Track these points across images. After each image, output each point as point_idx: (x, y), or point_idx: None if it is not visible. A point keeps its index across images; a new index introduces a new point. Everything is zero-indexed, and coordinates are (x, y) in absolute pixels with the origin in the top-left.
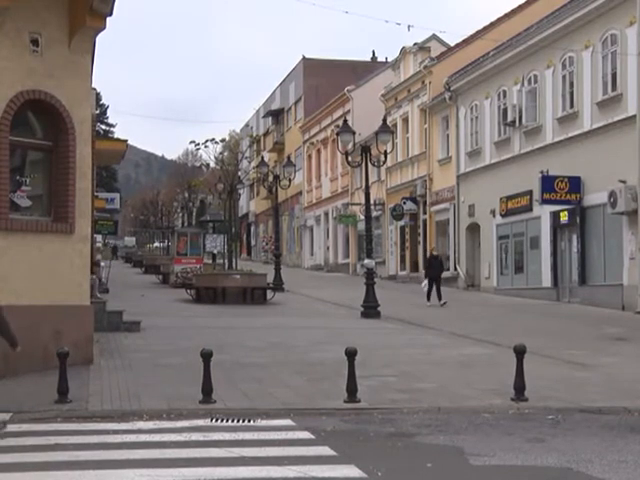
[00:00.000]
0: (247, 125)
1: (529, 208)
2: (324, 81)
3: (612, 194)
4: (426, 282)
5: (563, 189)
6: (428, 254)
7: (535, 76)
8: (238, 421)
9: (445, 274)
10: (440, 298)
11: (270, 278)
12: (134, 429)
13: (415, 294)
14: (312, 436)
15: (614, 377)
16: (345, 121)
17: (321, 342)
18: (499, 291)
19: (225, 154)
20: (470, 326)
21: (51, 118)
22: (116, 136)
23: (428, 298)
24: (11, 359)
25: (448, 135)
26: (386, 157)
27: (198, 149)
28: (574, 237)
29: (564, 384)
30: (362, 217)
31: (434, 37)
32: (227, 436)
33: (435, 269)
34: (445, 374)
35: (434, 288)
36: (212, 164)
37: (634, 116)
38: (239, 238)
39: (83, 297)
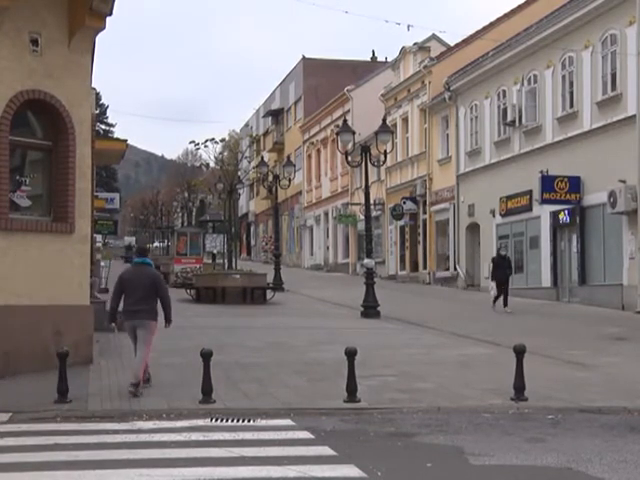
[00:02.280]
0: (247, 125)
1: (529, 208)
2: (324, 81)
3: (612, 194)
4: (493, 285)
5: (563, 189)
6: (495, 253)
7: (535, 76)
8: (238, 421)
9: (444, 274)
10: (506, 304)
11: (270, 278)
12: (134, 429)
13: (415, 294)
14: (312, 436)
15: (614, 377)
16: (345, 121)
17: (321, 342)
18: None
19: (225, 154)
20: (470, 326)
21: (51, 118)
22: (116, 136)
23: (494, 302)
24: (11, 359)
25: (448, 135)
26: (386, 157)
27: (198, 149)
28: (574, 237)
29: (564, 384)
30: (362, 217)
31: (434, 37)
32: (227, 436)
33: (502, 270)
34: (445, 374)
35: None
36: (212, 164)
37: (634, 116)
38: (239, 238)
39: (83, 297)
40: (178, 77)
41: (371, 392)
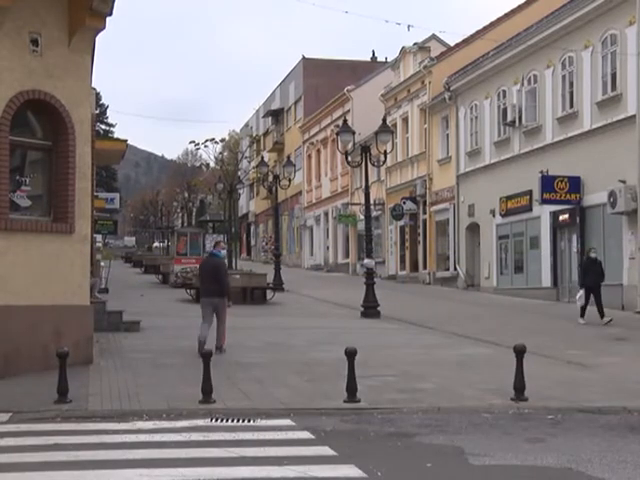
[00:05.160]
0: (247, 125)
1: (529, 208)
2: (324, 81)
3: (612, 194)
4: (582, 293)
5: (563, 189)
6: (585, 256)
7: (535, 76)
8: (238, 421)
9: (444, 274)
10: (602, 314)
11: (270, 278)
12: (134, 429)
13: (415, 294)
14: (312, 436)
15: (614, 377)
16: (345, 121)
17: (321, 342)
18: (499, 291)
19: (225, 154)
20: (470, 326)
21: (51, 118)
22: (116, 136)
23: (582, 314)
24: (11, 359)
25: (448, 135)
26: (386, 157)
27: (198, 149)
28: (574, 237)
29: (564, 384)
30: (362, 217)
31: (434, 37)
32: (227, 436)
33: (594, 276)
34: (445, 374)
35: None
36: (212, 164)
37: (634, 116)
38: (239, 238)
39: (83, 297)
40: (178, 77)
41: (371, 392)
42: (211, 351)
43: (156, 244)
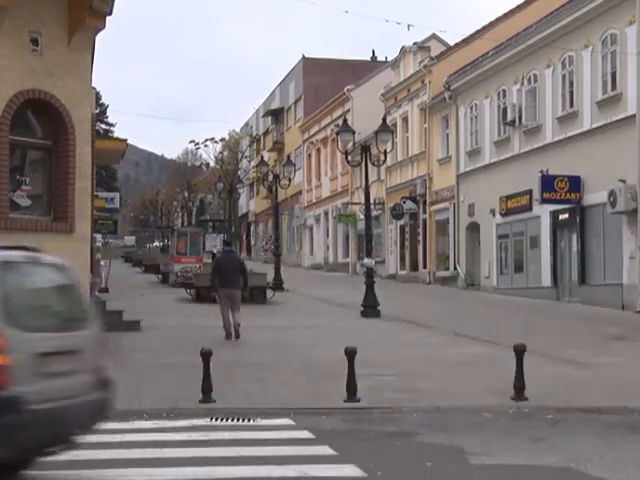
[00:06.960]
0: (247, 124)
1: (529, 207)
2: (324, 80)
3: (612, 193)
4: None
5: (563, 188)
6: None
7: (535, 75)
8: (238, 420)
9: (444, 273)
10: None
11: (270, 277)
12: (134, 428)
13: (415, 294)
14: (312, 435)
15: (614, 377)
16: (345, 120)
17: (321, 342)
18: (499, 290)
19: (225, 153)
20: (470, 326)
21: (51, 118)
22: (116, 135)
23: None
24: None
25: (448, 134)
26: (386, 156)
27: (198, 148)
28: (574, 236)
29: (564, 384)
30: (362, 216)
31: (434, 36)
32: (227, 435)
33: None
34: (445, 374)
35: None
36: (212, 163)
37: (634, 115)
38: (239, 238)
39: None
40: (178, 77)
41: (371, 392)
42: (211, 350)
43: (156, 243)
